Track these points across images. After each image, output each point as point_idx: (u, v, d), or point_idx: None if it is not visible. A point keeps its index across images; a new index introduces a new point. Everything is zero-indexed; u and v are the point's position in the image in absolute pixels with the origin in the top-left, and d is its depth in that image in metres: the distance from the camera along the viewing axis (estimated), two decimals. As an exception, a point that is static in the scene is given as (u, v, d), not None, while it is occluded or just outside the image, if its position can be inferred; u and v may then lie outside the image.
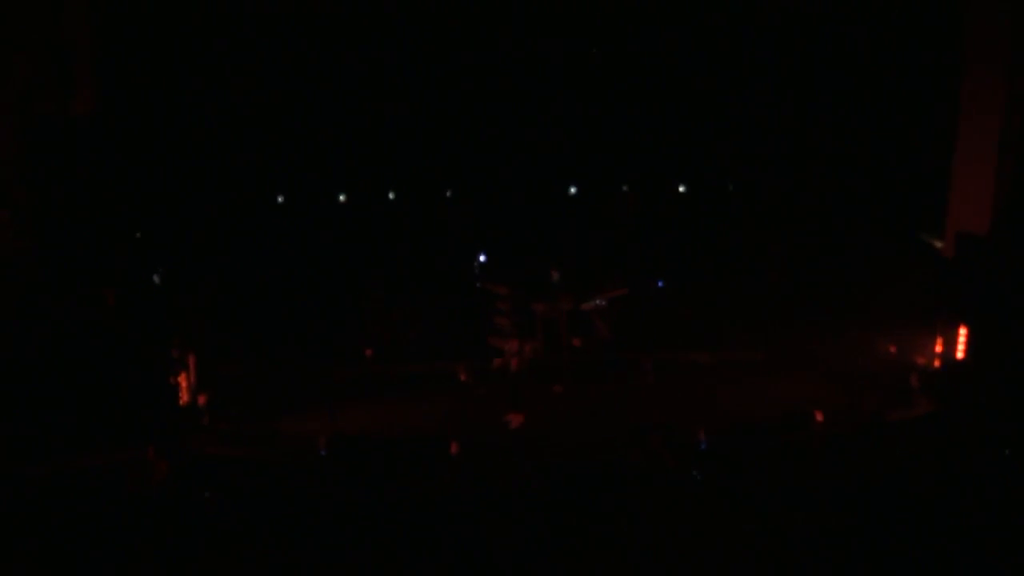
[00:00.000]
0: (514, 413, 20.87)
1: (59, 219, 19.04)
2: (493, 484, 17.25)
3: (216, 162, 24.38)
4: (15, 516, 15.69)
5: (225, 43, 23.65)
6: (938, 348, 21.50)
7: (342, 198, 26.14)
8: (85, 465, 17.26)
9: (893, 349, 22.69)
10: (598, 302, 24.07)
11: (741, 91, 25.05)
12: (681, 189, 26.56)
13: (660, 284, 26.18)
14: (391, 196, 26.31)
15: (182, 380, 20.36)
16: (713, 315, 25.08)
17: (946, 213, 22.32)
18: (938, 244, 22.90)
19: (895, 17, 23.74)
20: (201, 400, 20.67)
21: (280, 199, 25.92)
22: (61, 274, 18.98)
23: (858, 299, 23.61)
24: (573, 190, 26.57)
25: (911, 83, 23.81)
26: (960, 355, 20.92)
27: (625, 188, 26.80)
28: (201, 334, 21.48)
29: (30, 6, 19.51)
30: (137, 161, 20.09)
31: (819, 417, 19.36)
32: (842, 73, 24.57)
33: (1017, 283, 20.04)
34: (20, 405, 18.03)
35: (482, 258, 25.83)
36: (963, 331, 20.85)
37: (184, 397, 20.44)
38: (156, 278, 21.02)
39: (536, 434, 20.04)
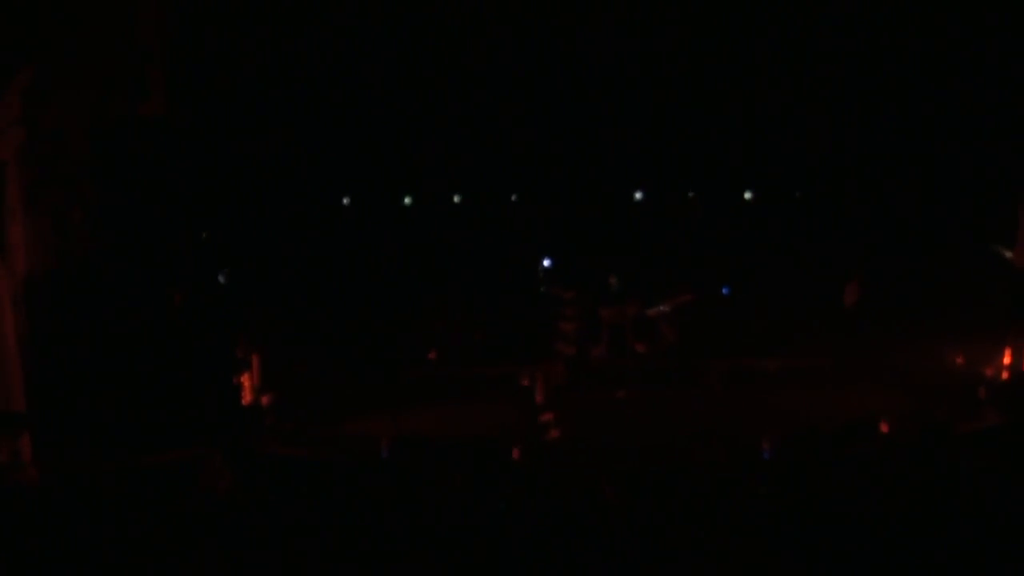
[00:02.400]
0: (551, 418, 20.57)
1: (128, 219, 19.22)
2: (555, 489, 17.21)
3: (282, 164, 24.57)
4: (79, 514, 15.90)
5: (294, 47, 23.83)
6: (1007, 360, 21.20)
7: (407, 200, 26.28)
8: (147, 464, 17.42)
9: (961, 360, 22.42)
10: (664, 307, 23.98)
11: (810, 99, 24.86)
12: (747, 195, 26.41)
13: (726, 290, 26.01)
14: (456, 199, 26.42)
15: (245, 380, 20.52)
16: (780, 322, 24.89)
17: (1017, 223, 22.02)
18: (1008, 254, 22.57)
19: (968, 27, 23.44)
20: (264, 400, 20.86)
21: (346, 201, 26.10)
22: (130, 274, 19.16)
23: (926, 308, 23.37)
24: (639, 195, 26.50)
25: (982, 91, 23.52)
26: (1029, 367, 20.65)
27: (691, 194, 26.71)
28: (266, 335, 21.67)
29: (107, 8, 19.71)
30: (205, 162, 20.24)
31: (885, 427, 19.17)
32: (913, 82, 24.33)
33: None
34: (86, 405, 18.25)
35: (547, 262, 25.79)
36: (1033, 343, 20.60)
37: (248, 397, 20.58)
38: (222, 278, 21.19)
39: (599, 440, 19.96)
